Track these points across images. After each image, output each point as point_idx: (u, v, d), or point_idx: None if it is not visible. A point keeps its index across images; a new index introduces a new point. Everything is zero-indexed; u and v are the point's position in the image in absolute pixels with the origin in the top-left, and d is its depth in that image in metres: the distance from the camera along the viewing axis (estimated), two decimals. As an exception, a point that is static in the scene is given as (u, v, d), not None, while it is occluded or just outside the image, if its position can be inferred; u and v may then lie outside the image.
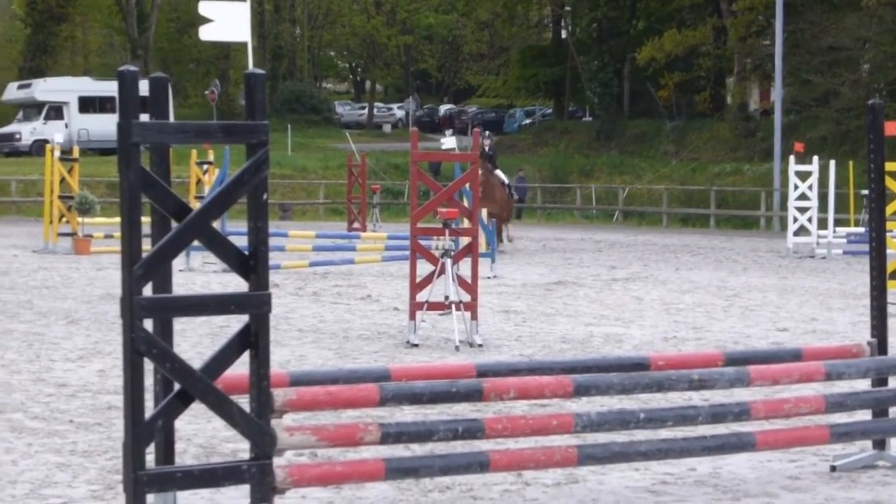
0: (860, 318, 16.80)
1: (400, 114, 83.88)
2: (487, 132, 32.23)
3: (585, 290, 21.35)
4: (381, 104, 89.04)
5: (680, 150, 57.85)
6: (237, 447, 8.75)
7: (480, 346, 14.41)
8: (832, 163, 31.11)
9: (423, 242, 15.64)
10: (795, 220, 30.74)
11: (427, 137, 52.40)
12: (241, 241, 6.19)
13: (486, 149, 28.51)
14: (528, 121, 78.87)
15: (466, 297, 14.85)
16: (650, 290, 21.49)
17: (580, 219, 51.84)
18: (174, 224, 6.04)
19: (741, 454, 8.39)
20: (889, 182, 16.37)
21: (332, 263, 24.55)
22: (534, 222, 50.28)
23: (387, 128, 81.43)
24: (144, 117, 5.95)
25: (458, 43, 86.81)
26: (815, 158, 30.96)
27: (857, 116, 47.06)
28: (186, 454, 8.66)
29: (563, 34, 74.85)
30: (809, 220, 30.55)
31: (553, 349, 14.28)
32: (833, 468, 8.54)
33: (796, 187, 30.47)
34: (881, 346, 8.59)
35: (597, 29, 67.90)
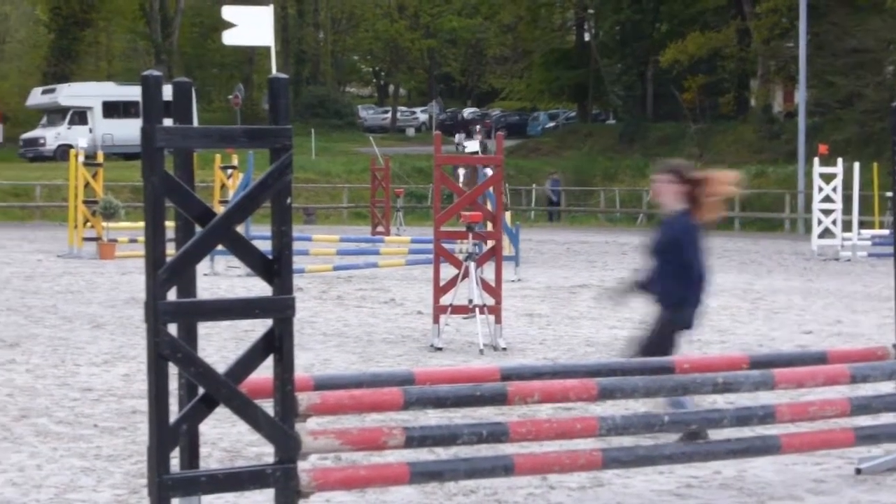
0: (885, 321, 16.72)
1: (423, 117, 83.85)
2: (479, 127, 32.06)
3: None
4: (404, 108, 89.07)
5: (704, 152, 57.71)
6: (261, 451, 8.75)
7: (504, 349, 14.39)
8: (856, 165, 31.02)
9: (446, 246, 15.63)
10: (820, 222, 30.66)
11: (450, 141, 52.39)
12: (265, 245, 6.19)
13: (486, 145, 28.34)
14: (551, 124, 78.84)
15: (490, 301, 14.83)
16: (674, 292, 21.39)
17: (604, 222, 51.76)
18: (198, 228, 6.05)
19: (766, 457, 8.37)
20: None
21: (355, 267, 24.55)
22: (557, 225, 50.26)
23: (410, 131, 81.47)
24: (168, 122, 5.96)
25: (482, 46, 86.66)
26: (840, 160, 30.84)
27: (881, 118, 46.90)
28: (211, 458, 8.67)
29: (587, 37, 74.79)
30: (834, 222, 30.45)
31: (577, 352, 14.25)
32: (858, 471, 8.50)
33: (821, 189, 30.39)
34: (907, 349, 8.55)
35: (620, 32, 67.92)
